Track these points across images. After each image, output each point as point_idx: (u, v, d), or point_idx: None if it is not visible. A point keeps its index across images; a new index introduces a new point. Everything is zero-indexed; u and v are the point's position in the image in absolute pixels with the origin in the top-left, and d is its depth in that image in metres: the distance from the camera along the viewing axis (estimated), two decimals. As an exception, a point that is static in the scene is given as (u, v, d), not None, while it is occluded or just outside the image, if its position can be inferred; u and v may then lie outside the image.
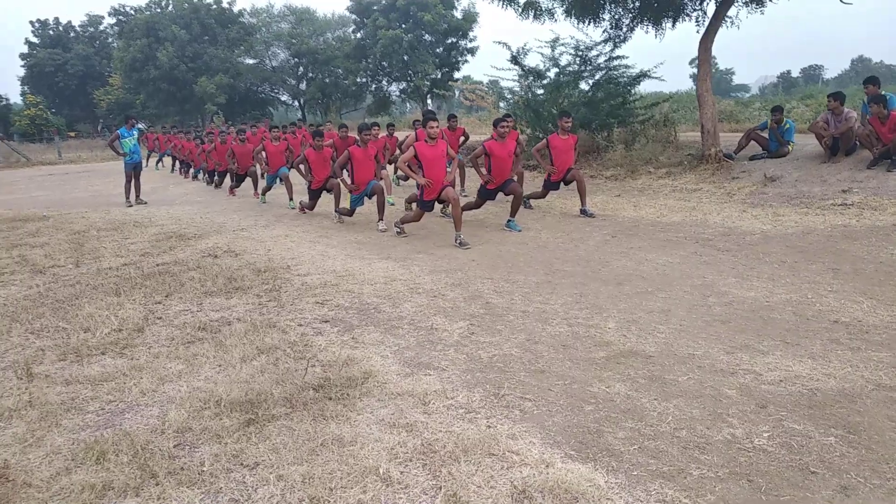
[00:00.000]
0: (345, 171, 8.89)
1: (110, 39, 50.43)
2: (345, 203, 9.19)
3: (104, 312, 4.89)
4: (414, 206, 8.15)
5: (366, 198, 8.75)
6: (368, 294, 5.29)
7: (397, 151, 11.81)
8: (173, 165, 20.44)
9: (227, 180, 14.05)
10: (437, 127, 7.41)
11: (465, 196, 10.63)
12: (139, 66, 40.23)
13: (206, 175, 15.86)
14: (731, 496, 2.39)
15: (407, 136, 11.68)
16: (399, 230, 7.96)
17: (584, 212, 8.67)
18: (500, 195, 8.32)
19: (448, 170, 7.70)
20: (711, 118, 10.97)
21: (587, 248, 6.72)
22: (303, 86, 47.49)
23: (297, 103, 49.73)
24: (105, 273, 6.32)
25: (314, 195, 9.90)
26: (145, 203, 12.17)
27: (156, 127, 30.13)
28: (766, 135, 10.68)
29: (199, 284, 5.74)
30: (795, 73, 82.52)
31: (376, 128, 10.54)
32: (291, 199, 11.14)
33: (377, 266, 6.30)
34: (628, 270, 5.75)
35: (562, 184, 8.96)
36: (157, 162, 22.44)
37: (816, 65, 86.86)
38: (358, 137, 8.61)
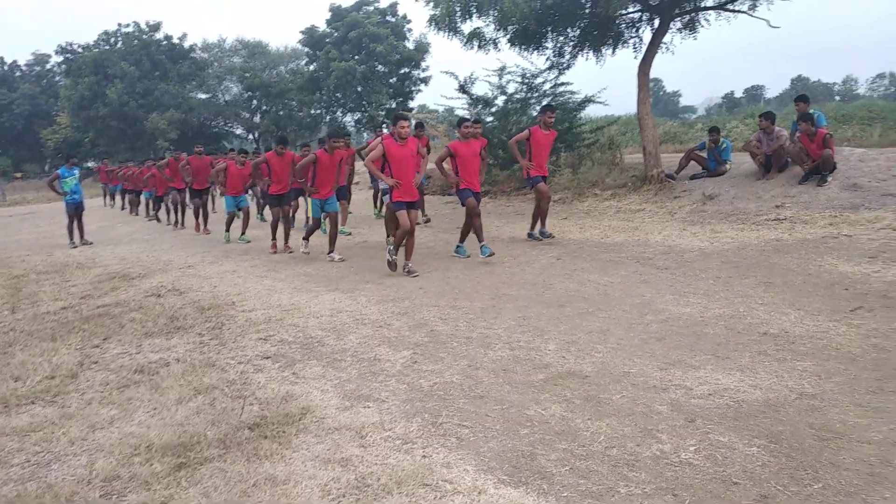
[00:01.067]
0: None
1: (57, 78, 49.49)
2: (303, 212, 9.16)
3: (37, 359, 4.74)
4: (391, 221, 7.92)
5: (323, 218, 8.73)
6: (313, 327, 5.25)
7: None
8: (123, 202, 20.00)
9: (175, 214, 13.85)
10: (408, 127, 7.15)
11: (428, 223, 10.59)
12: (87, 103, 39.54)
13: (154, 208, 15.57)
14: (655, 512, 2.44)
15: (368, 142, 11.66)
16: (391, 260, 7.28)
17: (531, 235, 8.77)
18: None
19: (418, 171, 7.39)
20: (653, 140, 11.31)
21: (532, 272, 6.81)
22: (257, 119, 47.28)
23: (251, 136, 49.43)
24: (42, 318, 6.14)
25: (274, 201, 9.68)
26: (90, 244, 11.89)
27: (109, 160, 29.47)
28: (704, 155, 11.04)
29: (140, 325, 5.63)
30: (739, 94, 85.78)
31: (347, 138, 10.31)
32: (244, 233, 10.99)
33: (324, 298, 6.27)
34: (571, 292, 5.85)
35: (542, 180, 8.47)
36: (108, 197, 22.07)
37: (758, 85, 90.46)
38: (326, 145, 8.43)
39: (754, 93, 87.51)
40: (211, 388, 3.98)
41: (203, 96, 45.87)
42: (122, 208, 20.09)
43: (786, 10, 10.86)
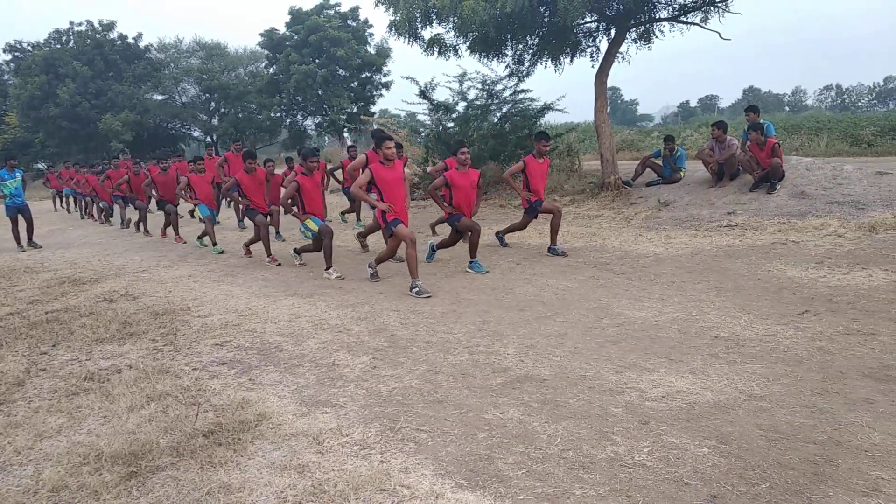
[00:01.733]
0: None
1: (6, 76, 47.80)
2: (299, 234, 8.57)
3: (-20, 367, 4.57)
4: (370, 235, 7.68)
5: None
6: (271, 333, 5.19)
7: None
8: (76, 204, 19.29)
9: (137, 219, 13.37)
10: (393, 148, 6.67)
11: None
12: (37, 103, 38.26)
13: (107, 215, 15.16)
14: (610, 513, 2.48)
15: (343, 162, 11.30)
16: (373, 272, 7.15)
17: (499, 240, 8.54)
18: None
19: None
20: (609, 147, 11.52)
21: (493, 276, 6.86)
22: (215, 121, 46.48)
23: (209, 139, 48.56)
24: (-14, 324, 5.92)
25: (253, 213, 8.87)
26: (40, 247, 11.51)
27: (56, 165, 28.45)
28: (660, 162, 11.29)
29: (91, 331, 5.48)
30: (694, 104, 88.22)
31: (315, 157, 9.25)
32: (202, 237, 10.48)
33: (283, 303, 6.20)
34: (530, 296, 5.90)
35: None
36: (59, 199, 21.24)
37: (712, 95, 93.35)
38: (303, 165, 7.74)
39: (708, 102, 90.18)
40: (164, 395, 3.90)
41: (159, 98, 44.83)
42: (70, 211, 19.46)
43: (739, 22, 11.22)
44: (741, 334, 4.44)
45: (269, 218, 9.24)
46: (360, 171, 7.04)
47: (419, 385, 3.90)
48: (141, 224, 12.97)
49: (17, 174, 11.48)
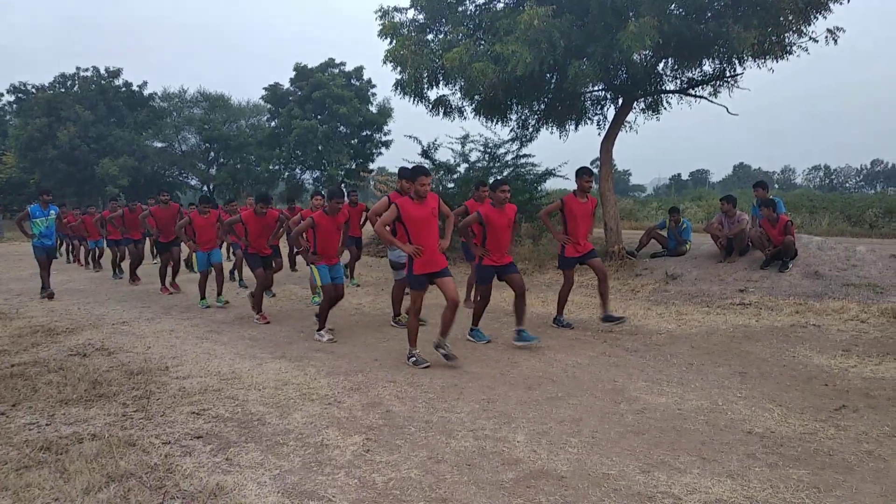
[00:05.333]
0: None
1: (8, 116, 47.97)
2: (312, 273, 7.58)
3: (-75, 429, 4.07)
4: (403, 294, 7.17)
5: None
6: (254, 401, 4.72)
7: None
8: (62, 247, 18.67)
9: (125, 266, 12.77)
10: (429, 184, 5.82)
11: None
12: (36, 144, 38.19)
13: (98, 257, 14.63)
14: None
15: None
16: (445, 352, 5.89)
17: (608, 318, 7.21)
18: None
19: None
20: (614, 216, 11.29)
21: (495, 347, 6.43)
22: (213, 171, 46.50)
23: (206, 188, 48.48)
24: (-57, 376, 5.41)
25: (256, 262, 8.20)
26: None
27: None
28: (665, 233, 11.04)
29: (57, 390, 4.99)
30: (685, 177, 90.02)
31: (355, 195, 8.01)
32: (220, 293, 9.38)
33: (269, 367, 5.74)
34: (538, 372, 5.46)
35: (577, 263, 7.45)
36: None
37: (703, 169, 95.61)
38: (326, 205, 7.19)
39: (700, 176, 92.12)
40: (127, 474, 3.41)
41: (159, 145, 44.97)
42: (58, 255, 18.89)
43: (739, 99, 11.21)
44: (777, 431, 3.99)
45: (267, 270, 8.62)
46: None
47: (419, 476, 3.43)
48: (131, 270, 12.20)
49: (52, 212, 10.40)
